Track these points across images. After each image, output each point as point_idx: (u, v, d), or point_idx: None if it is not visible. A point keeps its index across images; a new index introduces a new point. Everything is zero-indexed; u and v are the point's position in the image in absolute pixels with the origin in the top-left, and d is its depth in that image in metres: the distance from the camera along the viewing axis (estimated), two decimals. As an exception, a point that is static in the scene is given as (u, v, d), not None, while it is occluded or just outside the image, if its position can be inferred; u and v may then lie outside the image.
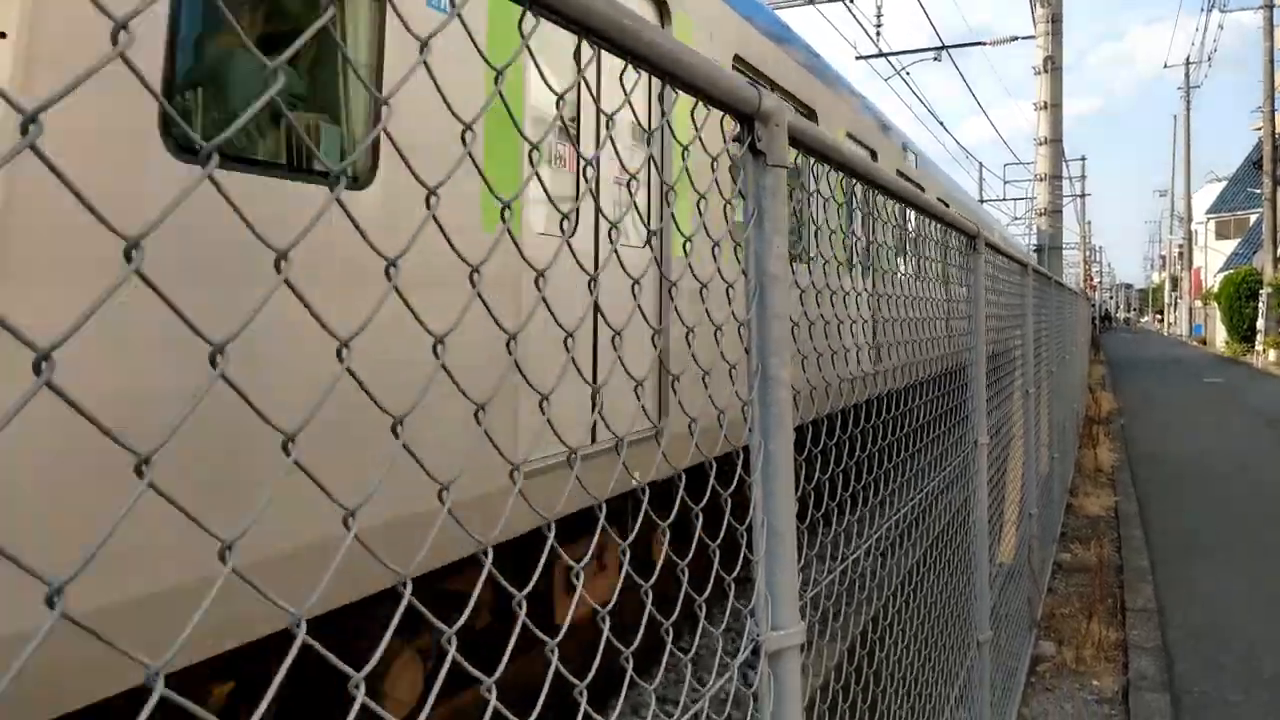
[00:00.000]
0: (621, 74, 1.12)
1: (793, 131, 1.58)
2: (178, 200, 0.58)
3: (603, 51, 1.10)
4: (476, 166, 0.99)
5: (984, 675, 3.70)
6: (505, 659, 0.96)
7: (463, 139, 0.86)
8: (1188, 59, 54.38)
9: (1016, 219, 61.63)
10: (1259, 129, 35.90)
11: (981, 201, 45.69)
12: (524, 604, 0.93)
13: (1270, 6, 33.20)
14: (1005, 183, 64.89)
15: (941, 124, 33.96)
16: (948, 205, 14.02)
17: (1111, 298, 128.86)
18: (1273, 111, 32.84)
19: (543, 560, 1.08)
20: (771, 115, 1.50)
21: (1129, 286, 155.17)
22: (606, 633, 1.02)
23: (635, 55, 1.13)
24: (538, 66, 1.06)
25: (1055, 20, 19.07)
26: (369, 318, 0.80)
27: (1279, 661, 5.45)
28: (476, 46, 0.95)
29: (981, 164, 57.44)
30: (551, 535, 0.98)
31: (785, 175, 1.56)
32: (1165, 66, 64.38)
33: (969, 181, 55.37)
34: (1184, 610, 6.43)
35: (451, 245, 0.89)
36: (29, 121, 0.50)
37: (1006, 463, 5.05)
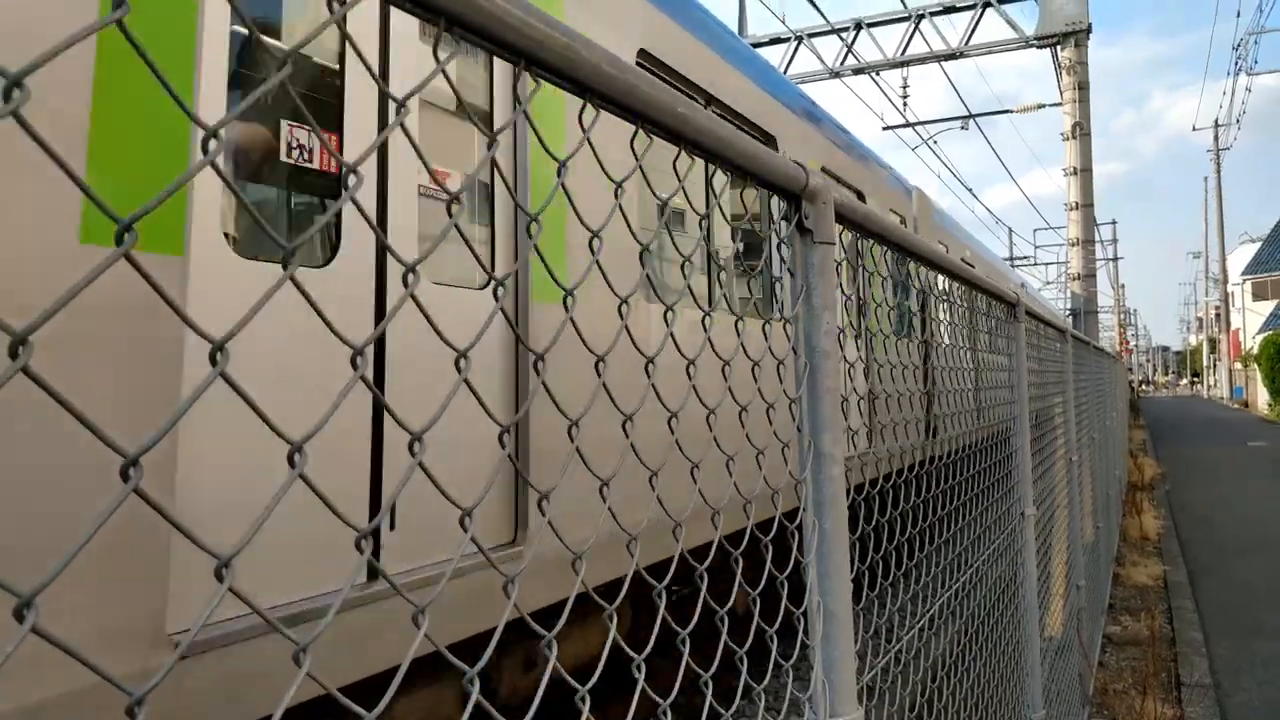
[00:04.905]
0: (675, 159, 1.13)
1: (839, 208, 1.59)
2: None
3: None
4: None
5: (1039, 757, 3.56)
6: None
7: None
8: (1216, 121, 54.47)
9: (1048, 283, 61.44)
10: (1292, 190, 35.68)
11: (1012, 265, 45.54)
12: (587, 698, 0.91)
13: (1297, 69, 33.20)
14: (1036, 247, 64.78)
15: (970, 190, 34.11)
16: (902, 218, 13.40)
17: (1149, 360, 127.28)
18: (1305, 173, 32.64)
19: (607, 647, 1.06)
20: (818, 194, 1.51)
21: (1166, 349, 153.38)
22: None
23: (688, 140, 1.14)
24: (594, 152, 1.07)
25: (1082, 87, 19.20)
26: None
27: (1346, 740, 5.22)
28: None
29: (1011, 229, 57.57)
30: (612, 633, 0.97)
31: (833, 252, 1.56)
32: (1194, 129, 64.69)
33: (998, 245, 55.27)
34: (1242, 685, 6.20)
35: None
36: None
37: (1052, 533, 4.94)
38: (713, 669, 1.11)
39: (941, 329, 3.00)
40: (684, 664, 1.04)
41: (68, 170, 0.48)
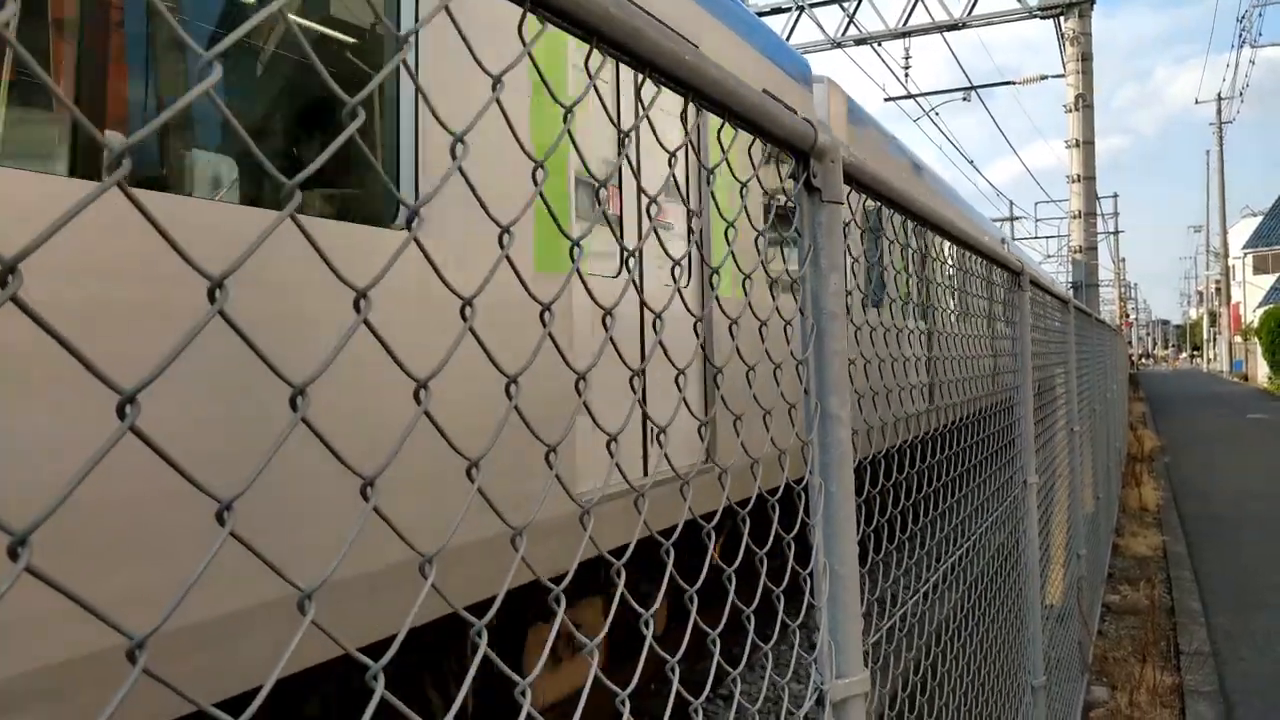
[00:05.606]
0: (684, 110, 1.11)
1: (848, 168, 1.57)
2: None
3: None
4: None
5: (1040, 723, 3.58)
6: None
7: (534, 178, 0.85)
8: (1219, 94, 53.97)
9: (1049, 256, 61.32)
10: (1295, 162, 35.50)
11: (1013, 235, 45.35)
12: (595, 652, 0.90)
13: (1302, 40, 32.93)
14: (1037, 220, 64.64)
15: (971, 163, 33.92)
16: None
17: (1149, 334, 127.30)
18: (1309, 144, 32.47)
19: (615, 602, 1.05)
20: (827, 151, 1.49)
21: (1166, 322, 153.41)
22: (676, 684, 0.98)
23: (697, 91, 1.12)
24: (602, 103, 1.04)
25: (1085, 59, 19.03)
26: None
27: (1344, 708, 5.25)
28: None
29: (1012, 202, 57.39)
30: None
31: (841, 211, 1.54)
32: (1196, 102, 64.27)
33: (996, 213, 55.04)
34: (1241, 653, 6.23)
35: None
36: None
37: (1053, 502, 4.94)
38: (719, 627, 1.10)
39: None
40: (690, 624, 1.03)
41: (72, 108, 0.46)
